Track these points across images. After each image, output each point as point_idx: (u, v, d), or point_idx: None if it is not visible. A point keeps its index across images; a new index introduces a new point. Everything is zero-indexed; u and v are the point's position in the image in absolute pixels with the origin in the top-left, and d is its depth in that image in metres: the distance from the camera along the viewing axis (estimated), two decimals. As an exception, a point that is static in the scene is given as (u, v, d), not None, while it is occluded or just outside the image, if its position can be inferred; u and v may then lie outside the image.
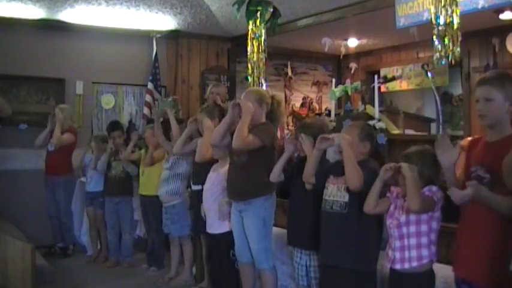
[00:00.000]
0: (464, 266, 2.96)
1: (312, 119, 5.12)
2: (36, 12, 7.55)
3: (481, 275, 2.82)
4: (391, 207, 3.37)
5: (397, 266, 3.26)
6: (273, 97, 4.79)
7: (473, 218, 2.90)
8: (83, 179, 7.30)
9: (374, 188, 3.41)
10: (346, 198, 3.60)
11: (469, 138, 3.36)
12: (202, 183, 5.23)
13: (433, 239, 3.23)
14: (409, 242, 3.23)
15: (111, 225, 6.88)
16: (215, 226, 5.00)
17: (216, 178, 5.02)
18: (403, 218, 3.25)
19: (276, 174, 4.25)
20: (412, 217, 3.22)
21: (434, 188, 3.20)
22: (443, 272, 3.35)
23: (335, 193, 3.68)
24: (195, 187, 5.59)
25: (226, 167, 4.82)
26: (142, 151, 6.62)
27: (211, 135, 4.82)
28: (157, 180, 6.22)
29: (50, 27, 7.77)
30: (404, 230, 3.24)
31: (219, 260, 5.02)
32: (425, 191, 3.18)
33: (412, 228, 3.22)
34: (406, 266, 3.23)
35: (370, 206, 3.43)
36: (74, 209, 7.40)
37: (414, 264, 3.21)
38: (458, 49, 3.91)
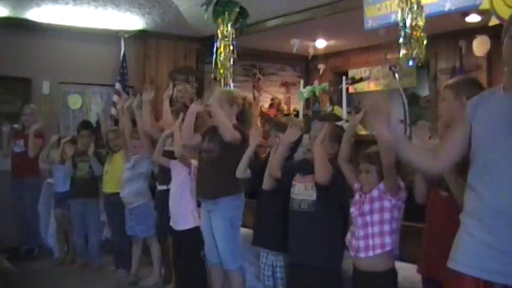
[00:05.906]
0: (429, 264, 2.98)
1: (286, 118, 5.16)
2: (0, 11, 7.43)
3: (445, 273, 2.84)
4: (356, 196, 3.38)
5: (362, 255, 3.26)
6: (244, 98, 4.79)
7: (437, 217, 2.93)
8: (50, 180, 7.19)
9: (346, 137, 3.54)
10: (314, 196, 3.63)
11: None
12: (168, 183, 5.22)
13: (395, 227, 3.25)
14: (372, 230, 3.24)
15: (78, 226, 6.77)
16: (180, 223, 5.00)
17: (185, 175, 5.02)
18: (367, 207, 3.26)
19: (242, 169, 4.25)
20: (376, 205, 3.23)
21: (398, 178, 3.23)
22: (410, 271, 3.38)
23: (302, 192, 3.70)
24: (160, 187, 5.56)
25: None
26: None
27: (183, 135, 4.79)
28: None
29: (16, 26, 7.65)
30: (368, 218, 3.25)
31: (187, 258, 4.99)
32: None
33: (376, 217, 3.23)
34: (371, 253, 3.23)
35: (343, 157, 3.51)
36: (41, 211, 7.30)
37: (378, 251, 3.21)
38: (424, 51, 3.95)
